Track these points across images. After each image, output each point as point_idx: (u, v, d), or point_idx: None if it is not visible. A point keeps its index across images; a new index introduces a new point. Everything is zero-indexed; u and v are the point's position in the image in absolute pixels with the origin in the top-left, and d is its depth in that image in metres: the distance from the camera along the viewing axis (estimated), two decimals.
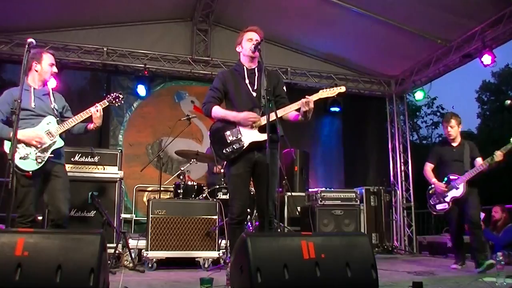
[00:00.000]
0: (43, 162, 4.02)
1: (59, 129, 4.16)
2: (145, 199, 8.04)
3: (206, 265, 5.40)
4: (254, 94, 3.82)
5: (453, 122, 5.50)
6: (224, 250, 5.51)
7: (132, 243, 5.61)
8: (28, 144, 3.97)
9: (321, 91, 3.74)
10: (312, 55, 9.41)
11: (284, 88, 4.02)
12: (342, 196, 7.12)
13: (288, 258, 2.38)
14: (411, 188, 9.37)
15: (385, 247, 7.87)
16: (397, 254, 7.94)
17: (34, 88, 4.21)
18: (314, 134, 9.36)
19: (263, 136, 3.60)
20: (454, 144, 5.53)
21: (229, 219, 3.79)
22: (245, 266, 2.38)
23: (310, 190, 7.52)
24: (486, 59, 7.14)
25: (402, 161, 9.59)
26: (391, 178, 9.57)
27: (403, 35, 7.85)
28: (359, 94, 9.78)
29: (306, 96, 3.59)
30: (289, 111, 3.72)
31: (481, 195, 5.31)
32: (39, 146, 4.00)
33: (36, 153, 3.99)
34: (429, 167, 5.62)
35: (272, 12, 8.00)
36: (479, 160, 5.35)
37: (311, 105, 3.57)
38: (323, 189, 7.13)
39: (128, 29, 8.38)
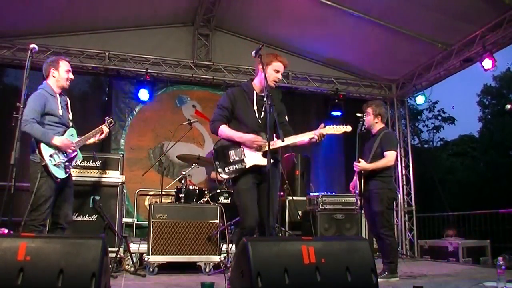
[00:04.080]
0: (68, 172, 4.28)
1: (78, 143, 4.41)
2: (146, 203, 8.05)
3: (207, 269, 5.41)
4: (260, 121, 3.82)
5: (369, 110, 5.15)
6: (225, 254, 5.52)
7: (133, 247, 5.62)
8: (61, 151, 4.18)
9: (327, 127, 3.84)
10: (313, 60, 9.42)
11: (286, 117, 4.06)
12: (343, 201, 7.12)
13: (289, 263, 2.39)
14: (412, 192, 9.36)
15: None
16: (398, 258, 7.92)
17: (58, 95, 4.38)
18: None
19: (266, 161, 3.60)
20: (372, 135, 5.15)
21: (240, 229, 3.79)
22: (246, 271, 2.39)
23: (311, 194, 7.52)
24: (487, 63, 7.15)
25: (403, 165, 9.60)
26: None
27: (403, 39, 7.87)
28: (360, 98, 9.76)
29: (321, 126, 3.76)
30: (296, 140, 3.79)
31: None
32: (70, 155, 4.27)
33: (64, 163, 4.20)
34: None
35: (273, 17, 8.03)
36: (388, 154, 4.91)
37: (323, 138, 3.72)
38: (324, 193, 7.13)
39: (129, 33, 8.41)
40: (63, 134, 4.27)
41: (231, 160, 3.75)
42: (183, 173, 6.47)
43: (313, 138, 3.75)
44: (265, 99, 3.60)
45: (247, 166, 3.70)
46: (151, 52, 8.42)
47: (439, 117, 25.73)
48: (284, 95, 4.23)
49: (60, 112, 4.29)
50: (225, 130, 3.81)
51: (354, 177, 5.22)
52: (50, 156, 4.08)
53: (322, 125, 3.71)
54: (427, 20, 7.33)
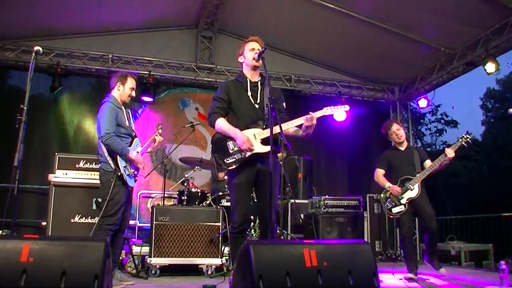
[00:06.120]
0: (136, 181, 4.68)
1: (141, 152, 4.77)
2: (149, 205, 8.06)
3: (209, 272, 5.41)
4: (257, 106, 3.81)
5: (397, 125, 5.60)
6: (228, 257, 5.52)
7: (135, 249, 5.63)
8: (131, 163, 4.57)
9: (325, 108, 3.78)
10: (316, 63, 9.43)
11: (284, 104, 4.01)
12: (345, 204, 7.12)
13: (291, 266, 2.39)
14: None
15: (388, 255, 7.84)
16: (401, 262, 7.90)
17: (123, 107, 4.69)
18: (317, 141, 9.36)
19: (266, 148, 3.62)
20: (402, 148, 5.57)
21: (231, 228, 3.78)
22: (248, 273, 2.39)
23: (313, 197, 7.52)
24: (490, 67, 7.14)
25: None
26: None
27: (407, 43, 7.87)
28: (363, 101, 9.79)
29: (310, 113, 3.62)
30: (292, 126, 3.72)
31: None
32: (140, 168, 4.71)
33: (134, 172, 4.59)
34: (380, 172, 5.58)
35: (276, 20, 8.04)
36: (428, 162, 5.38)
37: (314, 122, 3.62)
38: (327, 196, 7.12)
39: (133, 36, 8.44)
40: (131, 144, 4.63)
41: (231, 151, 3.71)
42: (186, 175, 6.48)
43: (304, 124, 3.66)
44: (258, 85, 3.84)
45: (247, 155, 3.66)
46: (154, 55, 8.45)
47: (442, 121, 25.70)
48: (287, 98, 4.22)
49: (127, 123, 4.63)
50: (221, 124, 3.77)
51: (390, 183, 5.42)
52: (124, 166, 4.45)
53: (311, 112, 3.67)
54: (430, 24, 7.34)
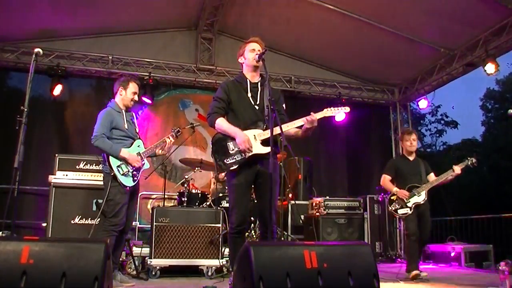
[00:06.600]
0: (136, 180, 4.64)
1: (145, 153, 4.78)
2: (149, 206, 8.06)
3: (209, 273, 5.41)
4: (257, 107, 3.80)
5: (414, 136, 5.85)
6: (228, 258, 5.51)
7: (135, 250, 5.62)
8: (128, 163, 4.55)
9: (325, 109, 3.78)
10: (316, 64, 9.44)
11: (284, 106, 4.01)
12: (345, 205, 7.11)
13: (291, 267, 2.39)
14: None
15: (389, 256, 7.83)
16: (401, 263, 7.90)
17: (124, 111, 4.74)
18: (317, 142, 9.36)
19: (266, 149, 3.61)
20: (411, 158, 5.83)
21: (229, 229, 3.78)
22: (248, 275, 2.39)
23: (314, 198, 7.51)
24: (489, 68, 7.14)
25: None
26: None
27: (406, 44, 7.88)
28: (362, 102, 9.80)
29: (311, 113, 3.62)
30: (293, 127, 3.72)
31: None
32: (137, 167, 4.64)
33: (132, 172, 4.57)
34: (387, 178, 5.81)
35: (276, 21, 8.05)
36: (432, 176, 5.72)
37: (315, 124, 3.63)
38: (327, 197, 7.12)
39: (133, 37, 8.45)
40: (131, 146, 4.65)
41: (230, 152, 3.70)
42: (186, 177, 6.47)
43: (304, 125, 3.67)
44: (258, 86, 3.85)
45: (247, 156, 3.65)
46: (154, 56, 8.46)
47: (442, 121, 25.72)
48: (287, 99, 4.23)
49: (126, 126, 4.67)
50: (221, 124, 3.77)
51: (399, 188, 5.63)
52: (118, 166, 4.49)
53: (312, 113, 3.68)
54: (430, 25, 7.34)
